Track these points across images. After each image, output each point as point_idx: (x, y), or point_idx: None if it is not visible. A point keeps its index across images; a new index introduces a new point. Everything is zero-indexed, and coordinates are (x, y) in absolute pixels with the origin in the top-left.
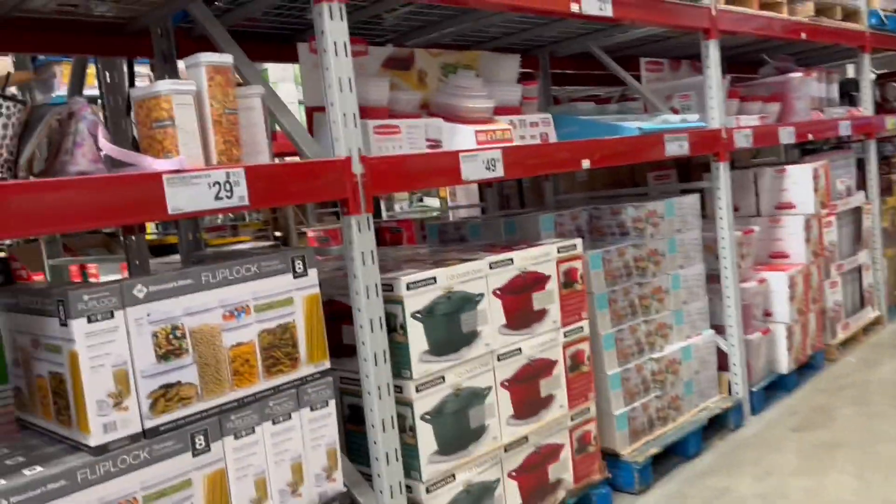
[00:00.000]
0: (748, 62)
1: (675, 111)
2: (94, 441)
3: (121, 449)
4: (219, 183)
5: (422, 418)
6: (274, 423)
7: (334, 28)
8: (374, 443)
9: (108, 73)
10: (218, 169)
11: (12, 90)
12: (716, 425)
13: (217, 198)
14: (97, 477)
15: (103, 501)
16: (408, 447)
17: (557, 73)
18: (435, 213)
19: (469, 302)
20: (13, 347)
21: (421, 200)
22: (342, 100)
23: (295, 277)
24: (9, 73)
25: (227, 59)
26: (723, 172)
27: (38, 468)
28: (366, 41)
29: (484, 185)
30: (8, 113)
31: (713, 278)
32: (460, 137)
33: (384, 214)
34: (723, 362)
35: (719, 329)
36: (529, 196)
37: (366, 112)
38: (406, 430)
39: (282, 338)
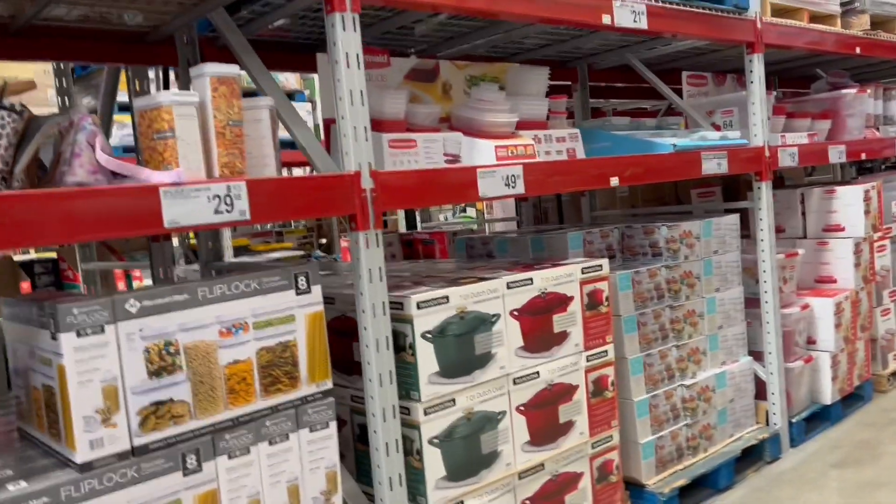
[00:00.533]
0: (801, 76)
1: (717, 127)
2: (79, 457)
3: (107, 466)
4: (219, 196)
5: (430, 442)
6: (270, 443)
7: (347, 39)
8: (378, 466)
9: (137, 81)
10: (218, 182)
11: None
12: (751, 457)
13: (217, 211)
14: (81, 495)
15: None
16: (414, 471)
17: (601, 85)
18: (473, 226)
19: (484, 323)
20: (15, 356)
21: (464, 211)
22: (353, 113)
23: (297, 294)
24: (5, 83)
25: (232, 69)
26: (765, 192)
27: (23, 483)
28: (387, 52)
29: (519, 199)
30: (2, 123)
31: (753, 302)
32: (479, 152)
33: (419, 225)
34: (761, 391)
35: (758, 356)
36: (568, 210)
37: (382, 125)
38: (413, 453)
39: (281, 356)
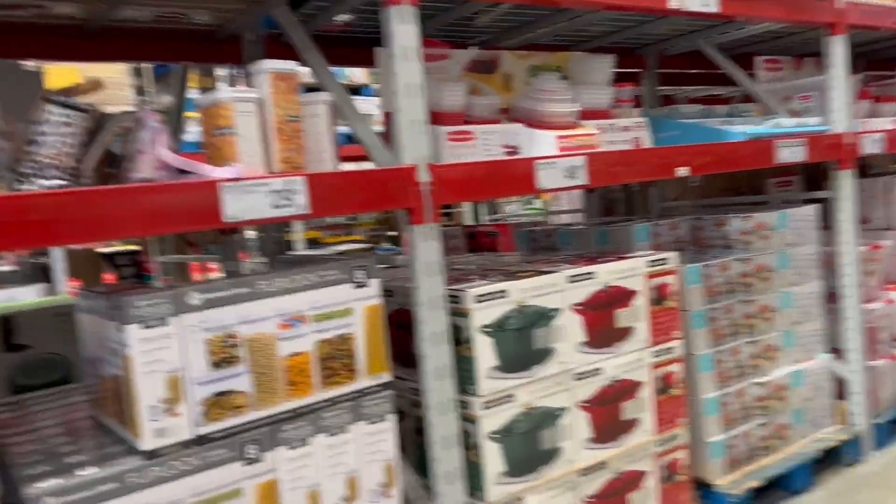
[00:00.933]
0: (891, 57)
1: (795, 114)
2: (145, 445)
3: (171, 455)
4: (277, 191)
5: (488, 437)
6: (329, 435)
7: (404, 32)
8: (435, 460)
9: (206, 79)
10: (276, 177)
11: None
12: (829, 459)
13: (276, 206)
14: (146, 481)
15: None
16: (472, 466)
17: (672, 72)
18: (540, 217)
19: (543, 317)
20: (88, 346)
21: (531, 203)
22: (409, 106)
23: (356, 288)
24: (77, 84)
25: (290, 65)
26: (846, 181)
27: (93, 469)
28: (447, 44)
29: (585, 190)
30: (70, 121)
31: (834, 297)
32: (539, 143)
33: (484, 218)
34: (841, 390)
35: (839, 353)
36: (637, 202)
37: (440, 118)
38: (471, 448)
39: (340, 349)
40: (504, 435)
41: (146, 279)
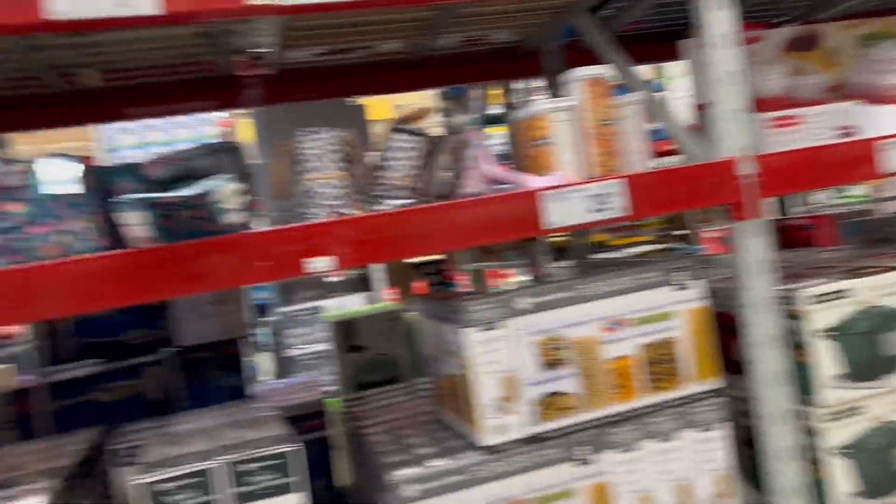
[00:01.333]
0: None
1: None
2: (484, 441)
3: (509, 451)
4: (594, 195)
5: (832, 452)
6: (656, 440)
7: (718, 19)
8: (770, 473)
9: (509, 95)
10: (594, 182)
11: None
12: None
13: (593, 210)
14: (487, 475)
15: (491, 500)
16: (815, 481)
17: None
18: (861, 206)
19: (895, 320)
20: (427, 347)
21: (843, 191)
22: (727, 95)
23: (675, 290)
24: (413, 113)
25: (601, 71)
26: None
27: (441, 460)
28: (760, 24)
29: None
30: (410, 146)
31: None
32: (881, 121)
33: (790, 210)
34: None
35: None
36: None
37: (759, 104)
38: (812, 461)
39: (663, 353)
40: (851, 451)
41: (448, 286)
